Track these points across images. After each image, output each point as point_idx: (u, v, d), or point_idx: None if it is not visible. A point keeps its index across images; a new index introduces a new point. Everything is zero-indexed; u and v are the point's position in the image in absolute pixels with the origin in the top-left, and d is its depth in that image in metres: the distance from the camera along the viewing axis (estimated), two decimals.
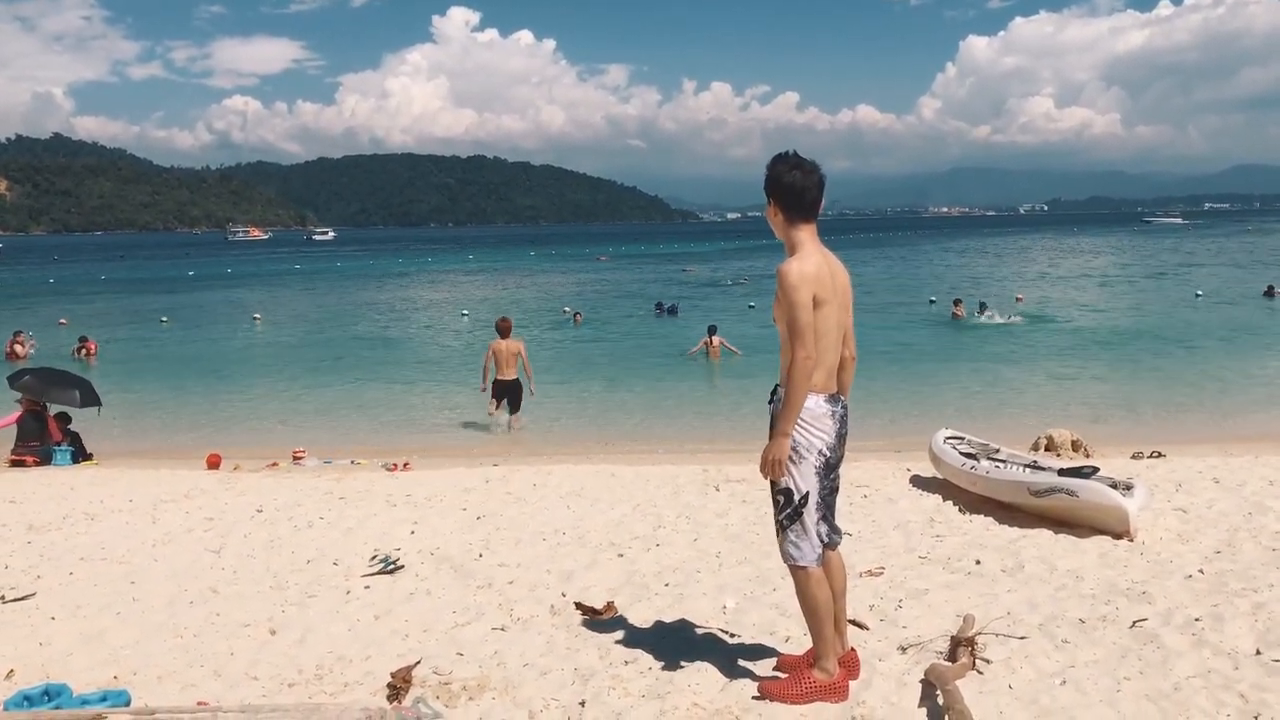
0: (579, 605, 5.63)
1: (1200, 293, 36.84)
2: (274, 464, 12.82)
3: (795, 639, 5.00)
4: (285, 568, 6.93)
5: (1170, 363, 21.24)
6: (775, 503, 4.31)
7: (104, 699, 4.17)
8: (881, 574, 6.29)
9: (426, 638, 5.28)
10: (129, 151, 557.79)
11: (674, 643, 5.05)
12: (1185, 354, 22.40)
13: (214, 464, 12.69)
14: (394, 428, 16.58)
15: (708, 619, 5.43)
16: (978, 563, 6.52)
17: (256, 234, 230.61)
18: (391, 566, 6.73)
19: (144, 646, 5.25)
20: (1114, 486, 7.41)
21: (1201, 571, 6.09)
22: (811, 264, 4.12)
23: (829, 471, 4.29)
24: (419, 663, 4.84)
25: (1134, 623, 5.06)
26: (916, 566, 6.49)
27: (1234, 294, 37.07)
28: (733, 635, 5.20)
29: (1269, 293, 34.54)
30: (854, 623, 5.21)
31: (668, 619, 5.47)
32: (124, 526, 8.53)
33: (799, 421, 4.15)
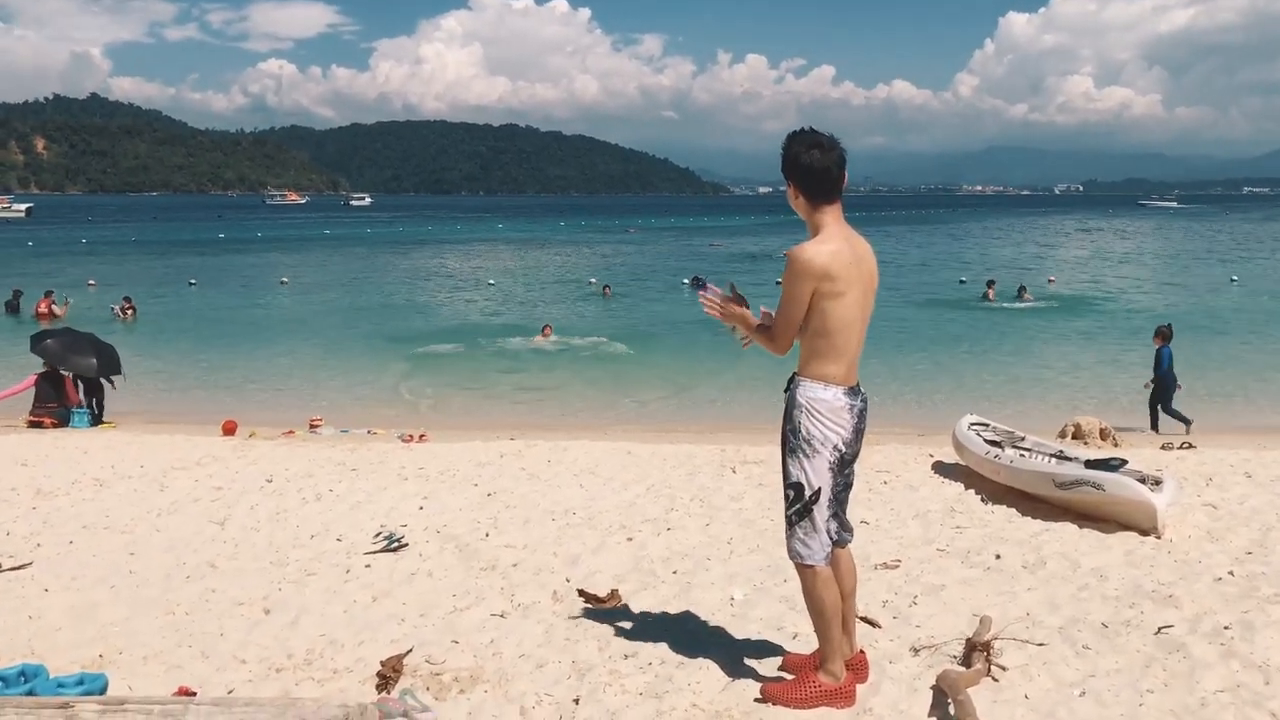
0: (582, 592, 5.45)
1: (1235, 279, 36.19)
2: (290, 432, 12.74)
3: (804, 636, 4.80)
4: (288, 542, 6.80)
5: (1202, 350, 20.80)
6: (785, 497, 4.07)
7: (80, 683, 4.03)
8: (897, 567, 6.07)
9: (423, 623, 5.12)
10: (164, 113, 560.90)
11: (677, 636, 4.86)
12: (1218, 342, 21.96)
13: (230, 430, 12.62)
14: (415, 397, 16.49)
15: (714, 611, 5.24)
16: (998, 557, 6.30)
17: (294, 198, 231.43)
18: (395, 544, 6.57)
19: (134, 623, 5.11)
20: (1142, 481, 7.16)
21: (1232, 574, 5.84)
22: (826, 252, 3.84)
23: (843, 467, 4.04)
24: (411, 650, 4.67)
25: (1159, 629, 4.82)
26: (934, 559, 6.27)
27: (1273, 281, 36.41)
28: (739, 631, 5.01)
29: None
30: (866, 620, 5.01)
31: (672, 610, 5.27)
32: (131, 494, 8.43)
33: (814, 414, 3.94)
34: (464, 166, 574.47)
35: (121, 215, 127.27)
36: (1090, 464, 7.78)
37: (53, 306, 25.81)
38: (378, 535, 6.78)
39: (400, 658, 4.52)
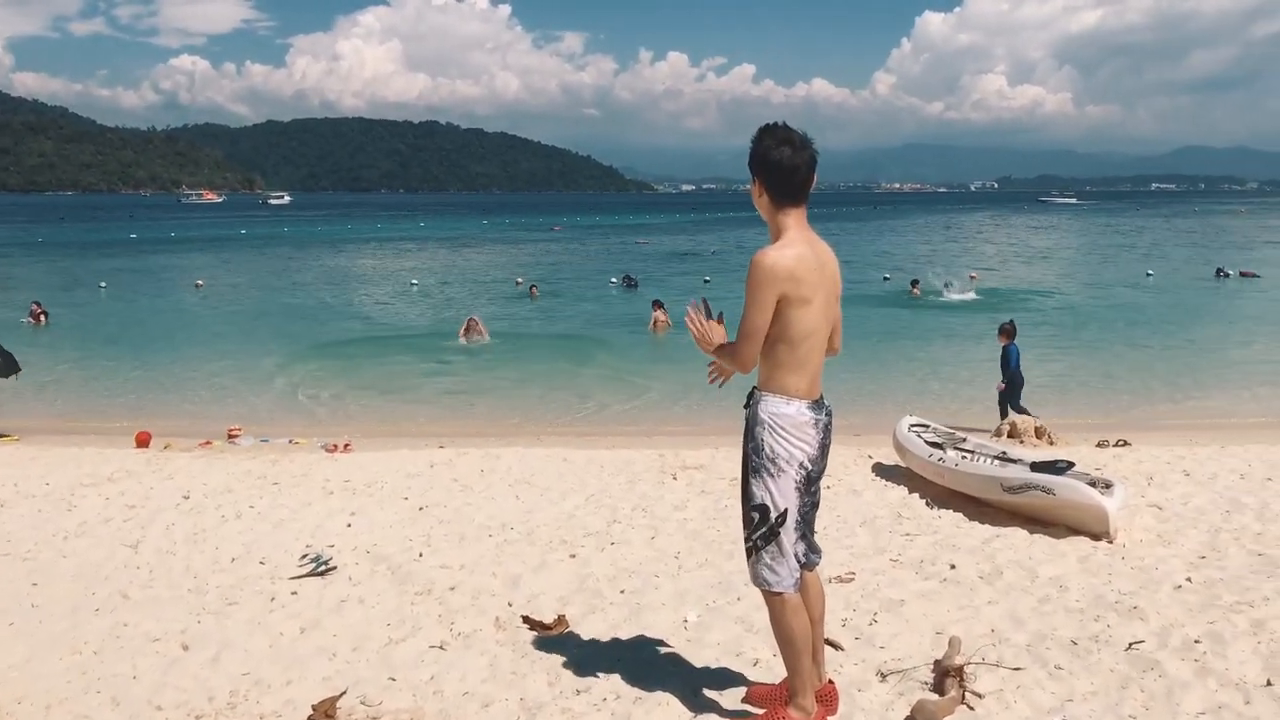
0: (526, 619, 5.13)
1: (1151, 273, 36.97)
2: (207, 443, 12.18)
3: (764, 662, 4.55)
4: (207, 567, 6.36)
5: (1124, 344, 21.14)
6: (747, 520, 3.80)
7: None
8: (852, 580, 5.86)
9: (356, 657, 4.75)
10: (70, 110, 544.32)
11: (631, 666, 4.57)
12: (1139, 335, 22.33)
13: (143, 442, 12.02)
14: (336, 403, 15.95)
15: (668, 634, 4.96)
16: (953, 567, 6.12)
17: (210, 197, 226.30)
18: (323, 568, 6.18)
19: (36, 665, 4.67)
20: (1092, 484, 7.06)
21: (1190, 580, 5.73)
22: (790, 256, 3.60)
23: (809, 485, 3.79)
24: (345, 692, 4.31)
25: (1130, 644, 4.66)
26: (888, 571, 6.07)
27: (1184, 275, 37.24)
28: (696, 658, 4.73)
29: (1220, 274, 34.77)
30: (829, 642, 4.77)
31: (624, 635, 4.98)
32: (35, 515, 7.89)
33: (777, 430, 3.69)
34: (383, 164, 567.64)
35: (27, 215, 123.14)
36: (1036, 466, 7.67)
37: None
38: (304, 557, 6.38)
39: (333, 700, 4.17)
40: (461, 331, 21.73)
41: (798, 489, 3.74)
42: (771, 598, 3.82)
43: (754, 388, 3.81)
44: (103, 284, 35.15)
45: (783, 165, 3.66)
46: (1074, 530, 6.91)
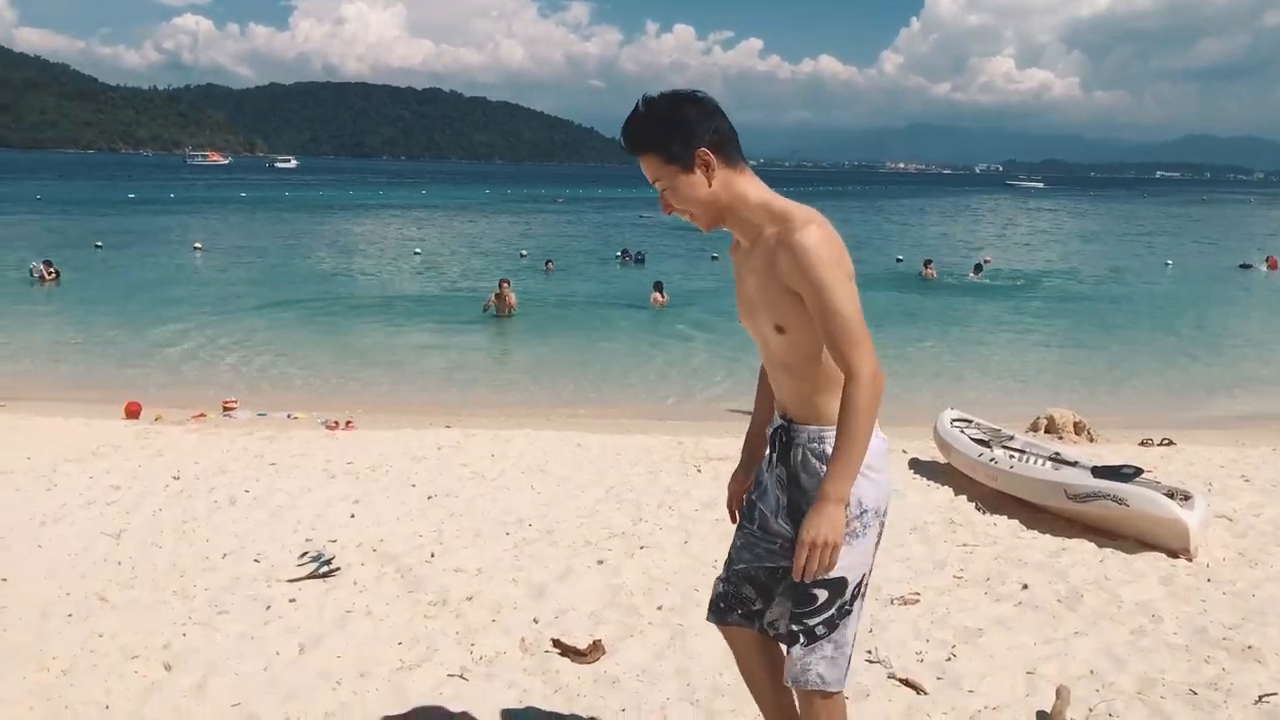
0: (557, 643, 4.51)
1: (1170, 263, 36.30)
2: (201, 415, 11.55)
3: None
4: (196, 564, 5.72)
5: (1150, 335, 20.54)
6: (804, 599, 2.77)
7: None
8: (918, 601, 5.24)
9: (364, 686, 4.11)
10: (72, 67, 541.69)
11: (683, 708, 3.95)
12: (1164, 326, 21.71)
13: (133, 413, 11.38)
14: (338, 376, 15.31)
15: (719, 666, 4.33)
16: (1025, 587, 5.50)
17: (216, 158, 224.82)
18: (325, 568, 5.55)
19: None
20: (1170, 495, 6.44)
21: None
22: (830, 225, 2.67)
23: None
24: None
25: (1260, 698, 4.05)
26: (954, 590, 5.45)
27: (1203, 266, 36.60)
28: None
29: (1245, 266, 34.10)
30: (907, 683, 4.16)
31: (669, 666, 4.36)
32: (12, 494, 7.25)
33: (863, 472, 2.68)
34: (385, 130, 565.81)
35: (25, 172, 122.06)
36: (1099, 472, 7.05)
37: None
38: (304, 555, 5.74)
39: None
40: (492, 298, 20.67)
41: (877, 544, 2.83)
42: (823, 701, 2.85)
43: (788, 419, 2.84)
44: (99, 244, 34.41)
45: (716, 114, 2.73)
46: (1145, 544, 6.31)
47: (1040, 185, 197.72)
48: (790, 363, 2.79)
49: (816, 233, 2.60)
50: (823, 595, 2.75)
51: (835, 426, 2.63)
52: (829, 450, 2.69)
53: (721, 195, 2.74)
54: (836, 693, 2.84)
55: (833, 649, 2.78)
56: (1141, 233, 58.80)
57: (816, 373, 2.74)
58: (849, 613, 2.78)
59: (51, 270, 24.58)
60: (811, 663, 2.79)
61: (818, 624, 2.77)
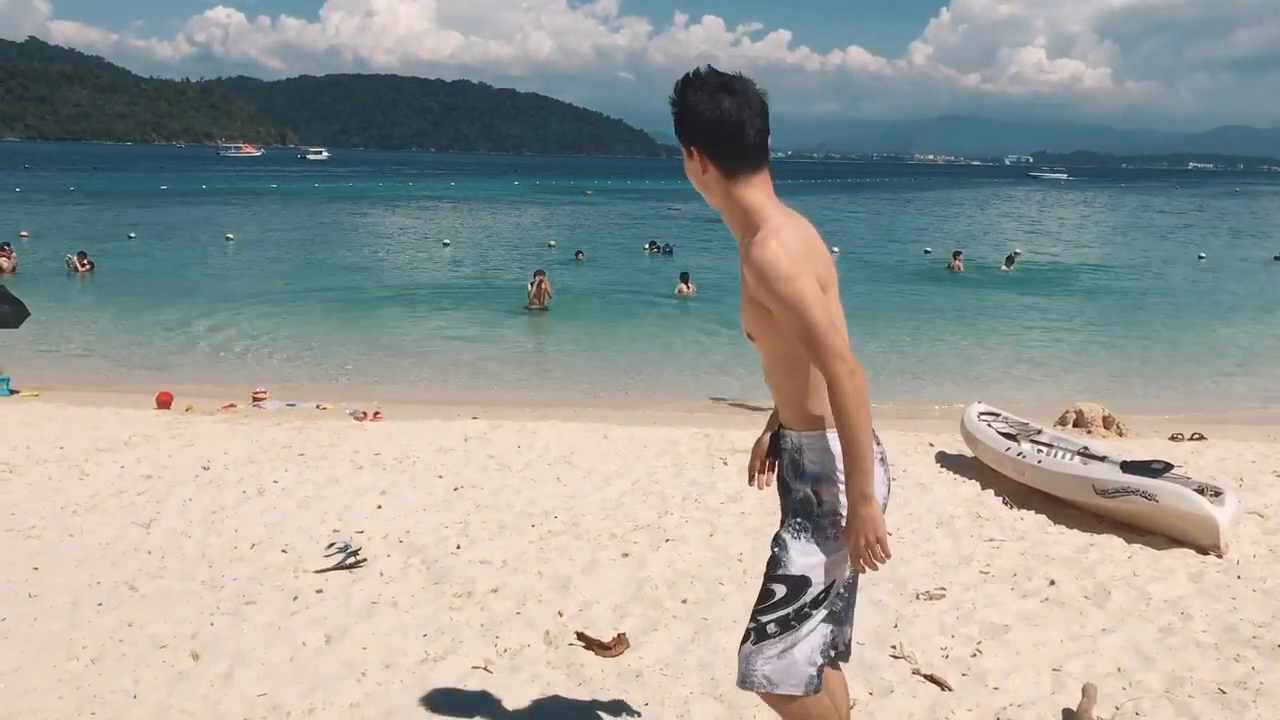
0: (581, 636, 4.52)
1: (1203, 256, 35.89)
2: (231, 405, 11.64)
3: (861, 703, 3.93)
4: (224, 554, 5.78)
5: (1179, 328, 20.34)
6: (765, 595, 2.77)
7: None
8: (943, 596, 5.21)
9: (389, 678, 4.14)
10: (106, 60, 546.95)
11: (707, 703, 3.95)
12: (1197, 319, 21.47)
13: (164, 403, 11.48)
14: (366, 367, 15.40)
15: None
16: (1052, 583, 5.46)
17: (249, 150, 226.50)
18: (351, 559, 5.59)
19: (25, 676, 4.08)
20: (1200, 491, 6.37)
21: None
22: (792, 236, 2.66)
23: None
24: None
25: None
26: (979, 586, 5.42)
27: (1237, 258, 36.16)
28: None
29: None
30: (932, 679, 4.15)
31: (694, 660, 4.36)
32: (45, 483, 7.35)
33: (832, 476, 2.69)
34: (415, 122, 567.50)
35: (62, 163, 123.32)
36: (1128, 467, 6.98)
37: (2, 260, 24.13)
38: (331, 546, 5.78)
39: None
40: (532, 293, 20.60)
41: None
42: (780, 702, 2.81)
43: (782, 428, 2.86)
44: (131, 234, 34.73)
45: (726, 121, 2.65)
46: (1175, 540, 6.25)
47: (1064, 176, 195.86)
48: (766, 368, 2.84)
49: (773, 248, 2.59)
50: (781, 591, 2.73)
51: (817, 432, 2.70)
52: (810, 456, 2.73)
53: (714, 188, 2.75)
54: (798, 698, 2.77)
55: (781, 650, 2.73)
56: (1173, 225, 58.17)
57: (791, 378, 2.75)
58: (808, 616, 2.72)
59: (86, 262, 24.83)
60: (757, 662, 2.75)
61: (770, 621, 2.74)
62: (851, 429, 2.55)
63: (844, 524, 2.67)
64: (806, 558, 2.70)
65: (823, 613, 2.76)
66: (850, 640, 3.05)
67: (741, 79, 2.70)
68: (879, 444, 2.75)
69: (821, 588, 2.72)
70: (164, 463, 8.13)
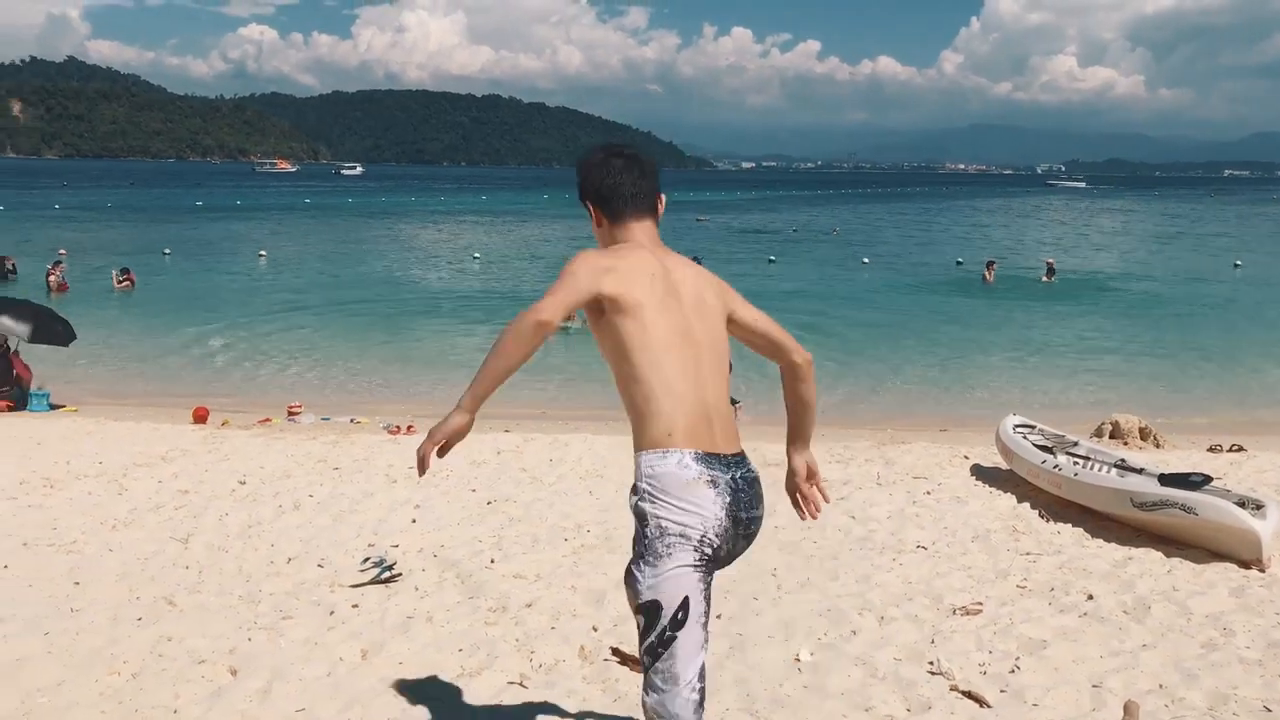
0: (616, 651, 4.51)
1: (1239, 263, 35.48)
2: (266, 420, 11.77)
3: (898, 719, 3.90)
4: (261, 568, 5.82)
5: (1217, 337, 20.12)
6: (640, 629, 2.77)
7: None
8: (980, 611, 5.16)
9: (426, 694, 4.14)
10: (142, 78, 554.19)
11: None
12: (1233, 329, 21.22)
13: (201, 417, 11.61)
14: (399, 380, 15.51)
15: (780, 678, 4.31)
16: (1090, 598, 5.40)
17: (284, 166, 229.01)
18: (387, 573, 5.62)
19: (67, 691, 4.12)
20: (1241, 504, 6.29)
21: None
22: (610, 253, 2.95)
23: (710, 571, 2.79)
24: None
25: None
26: (1017, 600, 5.37)
27: (1277, 266, 35.72)
28: (818, 714, 4.08)
29: None
30: (971, 696, 4.11)
31: (730, 676, 4.34)
32: (85, 498, 7.44)
33: (658, 496, 2.71)
34: (445, 137, 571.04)
35: (99, 181, 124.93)
36: (1167, 480, 6.90)
37: (50, 279, 24.60)
38: (366, 560, 5.81)
39: None
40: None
41: (698, 570, 2.72)
42: None
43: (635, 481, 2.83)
44: (167, 250, 35.14)
45: (590, 184, 3.06)
46: (1215, 554, 6.17)
47: (1082, 185, 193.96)
48: None
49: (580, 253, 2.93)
50: (641, 621, 2.73)
51: (640, 452, 2.76)
52: (636, 474, 2.77)
53: (604, 239, 3.08)
54: None
55: (660, 680, 2.73)
56: (1208, 233, 57.56)
57: (622, 395, 2.89)
58: (671, 640, 2.69)
59: (126, 278, 25.26)
60: (644, 692, 2.78)
61: (643, 651, 2.76)
62: (490, 351, 2.78)
63: (672, 539, 2.68)
64: (649, 580, 2.69)
65: (692, 634, 2.72)
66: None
67: (631, 147, 3.12)
68: (727, 471, 2.78)
69: (675, 608, 2.69)
70: (201, 477, 8.21)
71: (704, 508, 2.69)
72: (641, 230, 3.02)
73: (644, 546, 2.71)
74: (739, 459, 2.84)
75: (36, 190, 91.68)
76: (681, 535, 2.68)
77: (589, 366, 16.88)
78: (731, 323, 3.08)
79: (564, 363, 17.49)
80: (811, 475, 3.27)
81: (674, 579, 2.68)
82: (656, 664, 2.72)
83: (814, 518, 3.25)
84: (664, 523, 2.69)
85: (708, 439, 2.75)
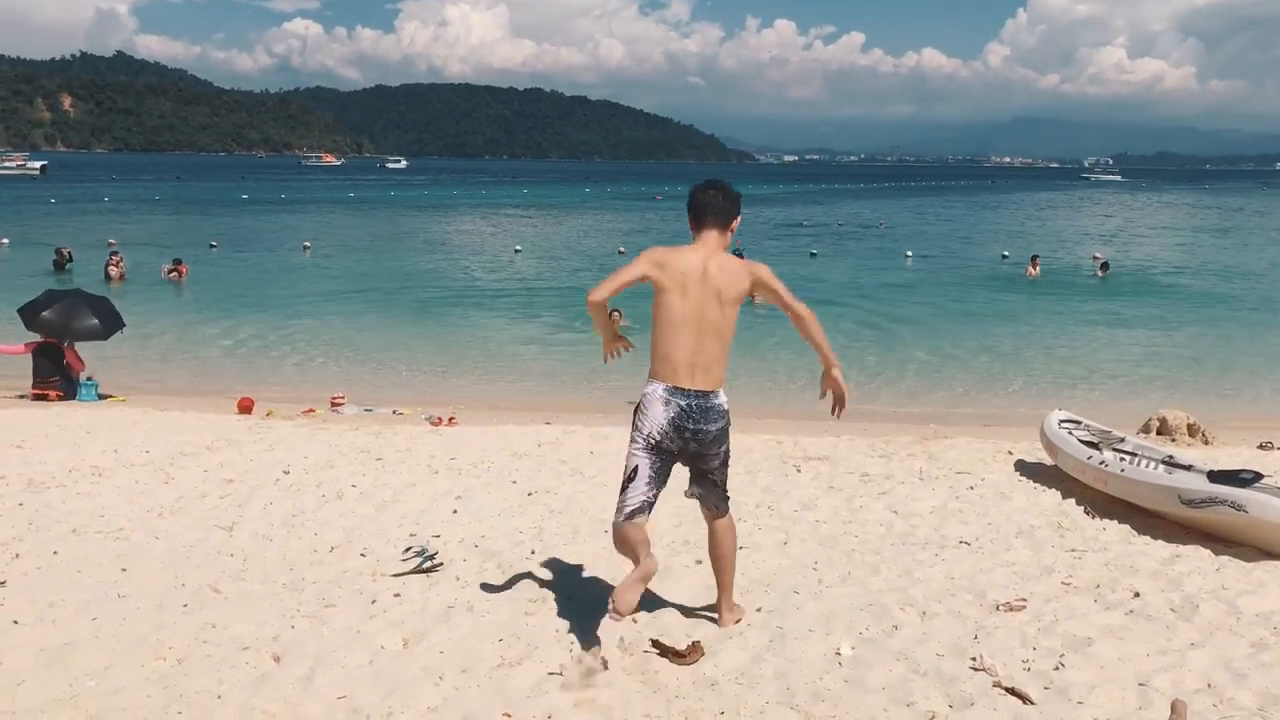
0: (656, 643, 4.51)
1: None
2: (310, 410, 11.87)
3: (942, 717, 3.87)
4: (304, 557, 5.88)
5: (1267, 332, 19.83)
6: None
7: None
8: (1024, 608, 5.10)
9: (466, 682, 4.17)
10: (189, 72, 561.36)
11: (784, 714, 3.92)
12: None
13: (246, 408, 11.74)
14: (441, 372, 15.60)
15: (821, 672, 4.29)
16: (1136, 595, 5.33)
17: (330, 160, 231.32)
18: (428, 563, 5.65)
19: (114, 675, 4.18)
20: None
21: None
22: (660, 249, 4.61)
23: (659, 452, 4.48)
24: None
25: None
26: (1061, 597, 5.30)
27: None
28: (859, 707, 4.05)
29: None
30: (1014, 692, 4.06)
31: (770, 669, 4.32)
32: (132, 486, 7.54)
33: (640, 407, 4.50)
34: (488, 130, 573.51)
35: (147, 174, 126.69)
36: (1216, 476, 6.78)
37: (111, 269, 25.14)
38: (408, 550, 5.84)
39: None
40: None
41: (647, 453, 4.44)
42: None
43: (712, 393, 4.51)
44: (213, 243, 35.57)
45: (691, 203, 4.72)
46: (1265, 552, 6.06)
47: (1118, 178, 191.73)
48: None
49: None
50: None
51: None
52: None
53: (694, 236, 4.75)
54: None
55: (617, 506, 4.56)
56: (1259, 227, 56.56)
57: None
58: (625, 487, 4.52)
59: (176, 269, 25.68)
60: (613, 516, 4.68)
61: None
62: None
63: (635, 432, 4.51)
64: (627, 452, 4.56)
65: (638, 488, 4.46)
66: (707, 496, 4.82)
67: (719, 181, 4.80)
68: (683, 399, 4.41)
69: (631, 469, 4.49)
70: (245, 466, 8.30)
71: (655, 416, 4.40)
72: (711, 236, 4.62)
73: (631, 433, 4.50)
74: (699, 393, 4.41)
75: (87, 184, 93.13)
76: (638, 429, 4.46)
77: (628, 358, 16.90)
78: (757, 292, 4.58)
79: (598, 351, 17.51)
80: (834, 383, 4.72)
81: (632, 455, 4.50)
82: (618, 497, 4.48)
83: (835, 416, 4.84)
84: (636, 421, 4.48)
85: (675, 379, 4.40)
